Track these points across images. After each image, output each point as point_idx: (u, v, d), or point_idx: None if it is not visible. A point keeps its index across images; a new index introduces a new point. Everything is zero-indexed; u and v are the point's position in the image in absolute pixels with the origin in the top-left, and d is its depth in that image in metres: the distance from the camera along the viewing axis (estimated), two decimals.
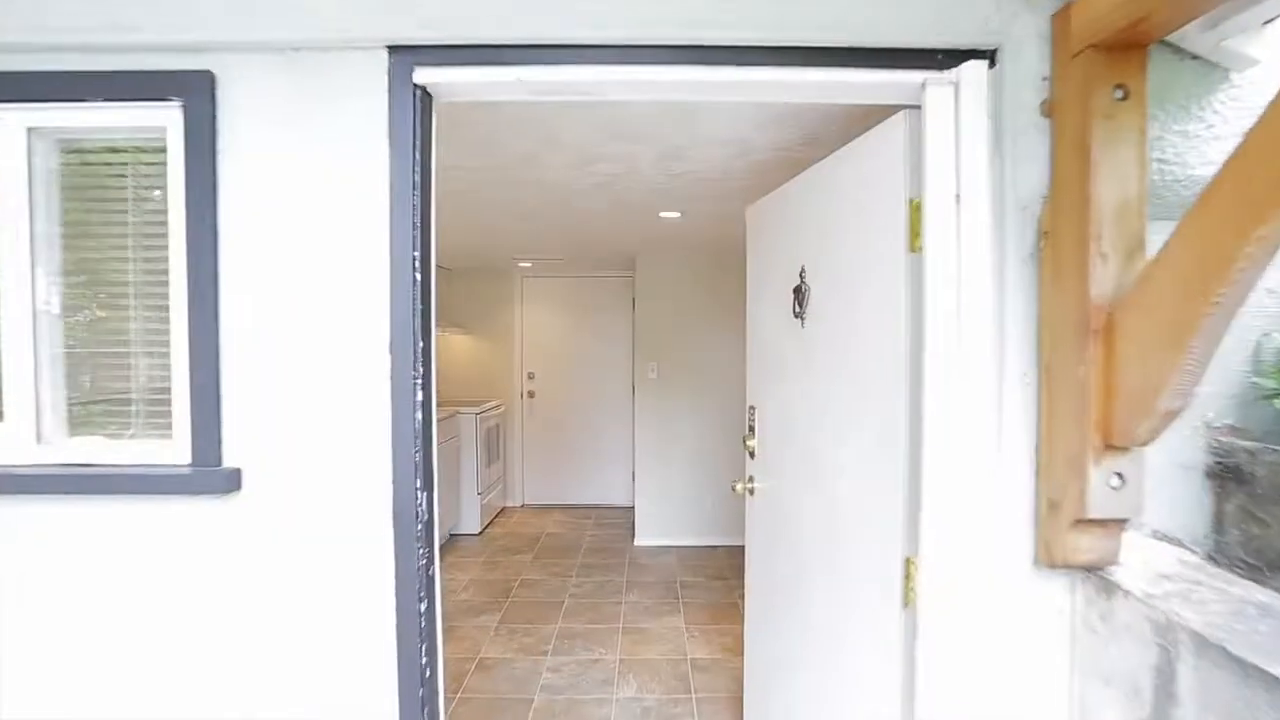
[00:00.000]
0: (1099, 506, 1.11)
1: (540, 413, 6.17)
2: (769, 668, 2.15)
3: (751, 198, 2.31)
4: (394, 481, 1.18)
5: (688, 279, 4.97)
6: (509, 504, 6.13)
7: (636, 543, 4.96)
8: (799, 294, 1.84)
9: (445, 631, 3.44)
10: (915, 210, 1.30)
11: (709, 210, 3.35)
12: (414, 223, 1.18)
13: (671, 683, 2.99)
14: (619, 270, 5.95)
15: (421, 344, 1.20)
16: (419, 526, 1.19)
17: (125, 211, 1.33)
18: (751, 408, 2.25)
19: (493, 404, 5.69)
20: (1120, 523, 1.14)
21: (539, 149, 2.26)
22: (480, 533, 5.22)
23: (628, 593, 4.00)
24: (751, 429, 2.24)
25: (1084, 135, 1.09)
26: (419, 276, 1.19)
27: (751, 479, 2.25)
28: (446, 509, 4.84)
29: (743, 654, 2.45)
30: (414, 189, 1.18)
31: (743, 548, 4.85)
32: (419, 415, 1.19)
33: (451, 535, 5.14)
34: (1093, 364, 1.08)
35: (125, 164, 1.34)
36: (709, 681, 3.00)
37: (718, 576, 4.31)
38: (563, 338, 6.16)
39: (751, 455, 2.25)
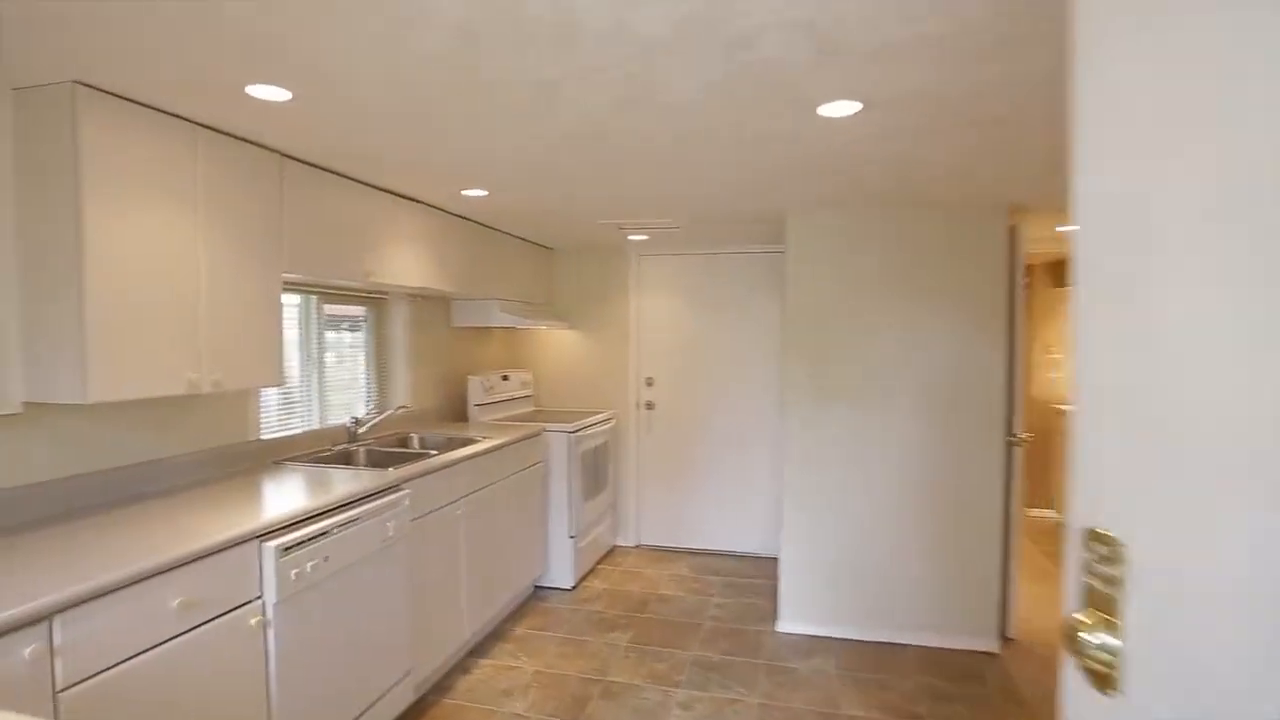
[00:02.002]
0: None
1: (661, 429, 4.84)
2: None
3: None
4: None
5: (865, 246, 3.36)
6: (620, 543, 4.87)
7: (779, 626, 3.46)
8: None
9: None
10: None
11: (927, 85, 1.79)
12: None
13: None
14: (763, 243, 4.45)
15: None
16: None
17: None
18: (1105, 540, 0.73)
19: (599, 418, 4.45)
20: None
21: None
22: (574, 587, 4.00)
23: None
24: (1104, 594, 0.72)
25: None
26: None
27: None
28: (528, 557, 3.68)
29: None
30: None
31: (955, 653, 3.16)
32: None
33: (536, 588, 3.97)
34: None
35: None
36: None
37: (912, 714, 2.69)
38: (691, 333, 4.78)
39: (1103, 689, 0.72)
